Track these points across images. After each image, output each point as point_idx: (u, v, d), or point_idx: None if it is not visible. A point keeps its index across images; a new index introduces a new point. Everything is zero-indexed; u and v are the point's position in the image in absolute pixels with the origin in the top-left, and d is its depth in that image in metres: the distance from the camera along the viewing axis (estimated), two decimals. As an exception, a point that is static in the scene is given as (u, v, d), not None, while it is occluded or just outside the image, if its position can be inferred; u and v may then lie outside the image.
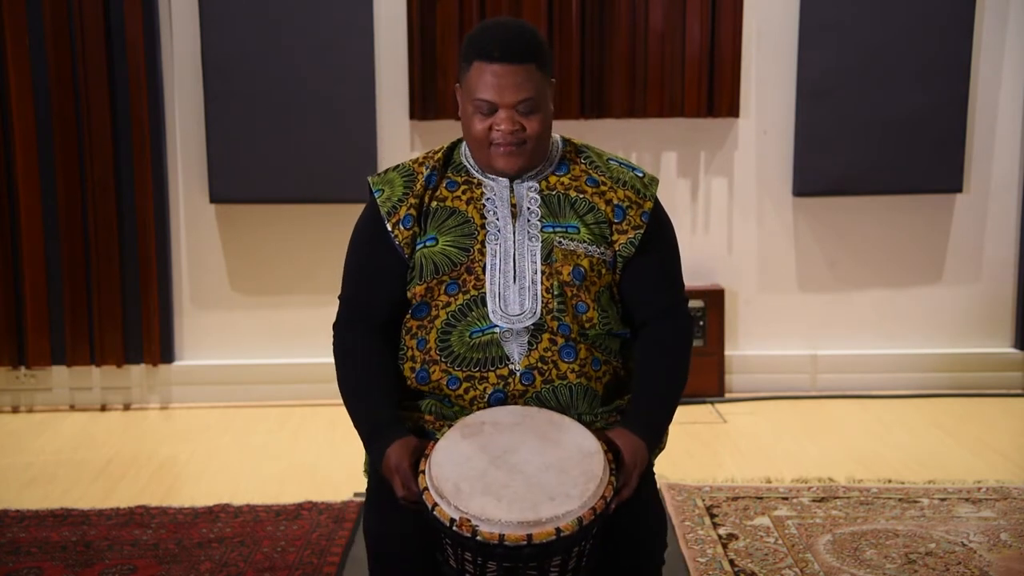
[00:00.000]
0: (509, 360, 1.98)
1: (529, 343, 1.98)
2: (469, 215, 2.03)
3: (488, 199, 2.04)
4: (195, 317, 4.40)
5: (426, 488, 1.76)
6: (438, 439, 1.83)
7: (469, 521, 1.70)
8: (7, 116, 4.13)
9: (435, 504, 1.73)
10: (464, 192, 2.05)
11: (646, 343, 2.07)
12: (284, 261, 4.38)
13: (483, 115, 1.98)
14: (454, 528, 1.70)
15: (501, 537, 1.68)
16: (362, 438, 1.99)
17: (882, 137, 4.27)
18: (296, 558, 2.87)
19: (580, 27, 4.17)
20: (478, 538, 1.69)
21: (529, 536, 1.68)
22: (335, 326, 2.13)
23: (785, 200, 4.44)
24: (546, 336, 1.98)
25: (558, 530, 1.69)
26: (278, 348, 4.41)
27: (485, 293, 1.99)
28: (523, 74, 1.96)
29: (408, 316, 2.05)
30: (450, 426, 1.94)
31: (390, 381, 2.05)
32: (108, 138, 4.16)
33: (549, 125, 2.04)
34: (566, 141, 2.12)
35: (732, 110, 4.28)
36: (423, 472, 1.77)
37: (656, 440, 1.99)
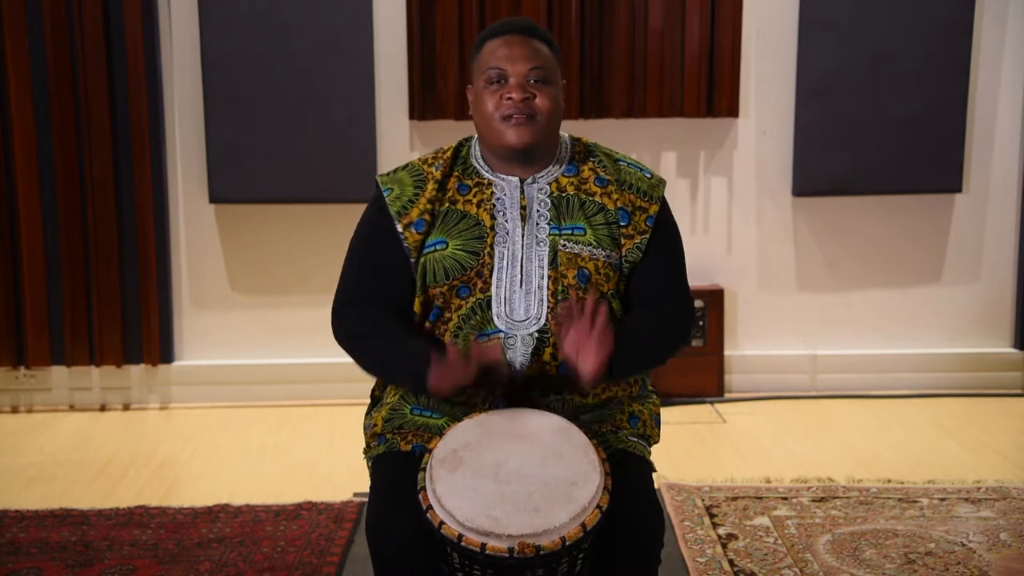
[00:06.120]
0: (510, 367, 1.98)
1: (532, 354, 1.98)
2: (479, 218, 2.02)
3: (498, 199, 2.04)
4: (195, 317, 4.40)
5: (430, 507, 1.75)
6: (423, 486, 1.79)
7: (480, 540, 1.70)
8: (7, 116, 4.13)
9: (441, 522, 1.73)
10: (475, 195, 2.04)
11: (639, 310, 2.05)
12: (284, 261, 4.38)
13: (494, 90, 1.98)
14: (461, 543, 1.71)
15: (510, 551, 1.68)
16: (410, 382, 1.95)
17: (882, 137, 4.27)
18: (296, 558, 2.87)
19: (580, 27, 4.18)
20: (487, 552, 1.69)
21: (538, 548, 1.69)
22: (335, 317, 2.08)
23: (785, 200, 4.44)
24: (548, 350, 1.98)
25: (563, 539, 1.70)
26: (277, 348, 4.41)
27: (490, 297, 1.99)
28: (534, 46, 2.00)
29: (422, 319, 2.05)
30: (423, 448, 1.95)
31: (415, 334, 2.02)
32: (108, 138, 4.16)
33: (559, 114, 2.04)
34: (575, 140, 2.12)
35: (732, 110, 4.28)
36: (430, 508, 1.76)
37: (612, 370, 1.92)
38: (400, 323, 2.03)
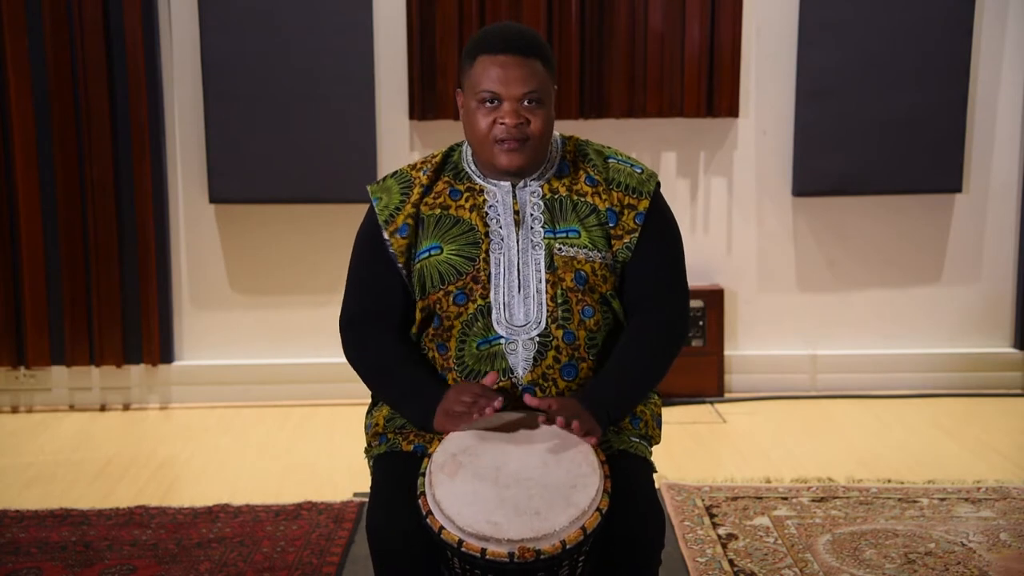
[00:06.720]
0: (512, 373, 1.99)
1: (534, 359, 1.98)
2: (473, 223, 2.02)
3: (491, 206, 2.03)
4: (195, 317, 4.40)
5: (429, 512, 1.75)
6: (422, 491, 1.79)
7: (479, 544, 1.70)
8: (7, 116, 4.13)
9: (441, 528, 1.73)
10: (467, 200, 2.04)
11: (631, 330, 2.05)
12: (284, 261, 4.38)
13: (487, 110, 1.96)
14: (462, 549, 1.70)
15: (511, 556, 1.68)
16: (411, 415, 1.98)
17: (882, 137, 4.27)
18: (296, 558, 2.87)
19: (580, 27, 4.18)
20: (487, 557, 1.69)
21: (538, 552, 1.69)
22: (343, 333, 2.10)
23: (785, 200, 4.44)
24: (551, 353, 1.99)
25: (563, 543, 1.70)
26: (277, 348, 4.41)
27: (490, 303, 1.99)
28: (529, 67, 1.96)
29: (424, 325, 2.06)
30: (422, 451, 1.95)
31: (419, 360, 2.04)
32: (108, 138, 4.16)
33: (551, 127, 2.03)
34: (565, 140, 2.11)
35: (732, 110, 4.28)
36: (430, 513, 1.76)
37: (604, 421, 1.93)
38: (405, 348, 2.04)
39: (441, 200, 2.04)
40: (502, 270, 2.00)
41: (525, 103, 1.96)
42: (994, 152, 4.45)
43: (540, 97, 1.97)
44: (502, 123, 1.95)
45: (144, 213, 4.22)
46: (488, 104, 1.96)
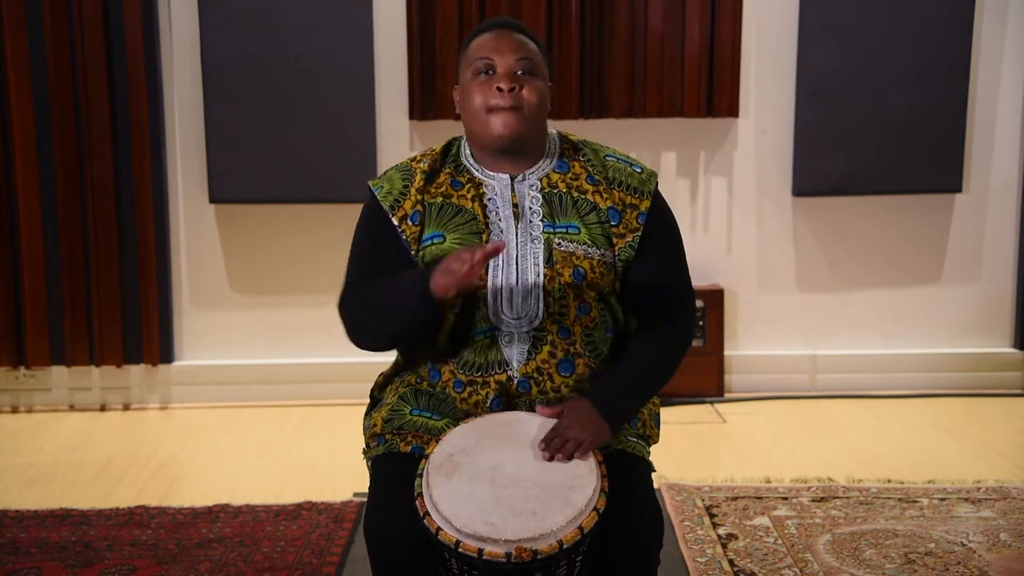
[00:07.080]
0: (508, 366, 1.98)
1: (529, 352, 1.98)
2: (475, 212, 2.02)
3: (490, 199, 2.04)
4: (195, 317, 4.40)
5: (427, 513, 1.75)
6: (420, 492, 1.79)
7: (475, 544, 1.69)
8: (6, 116, 4.13)
9: (438, 528, 1.73)
10: (469, 191, 2.04)
11: (639, 330, 2.06)
12: (283, 261, 4.38)
13: (481, 82, 1.99)
14: (459, 549, 1.70)
15: (508, 556, 1.68)
16: (411, 302, 1.91)
17: (881, 137, 4.27)
18: (295, 558, 2.87)
19: (580, 27, 4.18)
20: (484, 558, 1.69)
21: (535, 552, 1.69)
22: (339, 306, 2.09)
23: (784, 200, 4.44)
24: (546, 348, 1.98)
25: (560, 542, 1.70)
26: (277, 348, 4.41)
27: (486, 294, 1.99)
28: (521, 39, 2.02)
29: None
30: (421, 453, 1.94)
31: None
32: (108, 138, 4.16)
33: (545, 109, 2.04)
34: (563, 137, 2.11)
35: (732, 110, 4.28)
36: (427, 514, 1.76)
37: (614, 420, 1.93)
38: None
39: (443, 189, 2.05)
40: (500, 262, 2.00)
41: (519, 72, 1.99)
42: (994, 152, 4.45)
43: (533, 68, 2.00)
44: (497, 88, 1.97)
45: (144, 213, 4.22)
46: (483, 75, 1.99)
